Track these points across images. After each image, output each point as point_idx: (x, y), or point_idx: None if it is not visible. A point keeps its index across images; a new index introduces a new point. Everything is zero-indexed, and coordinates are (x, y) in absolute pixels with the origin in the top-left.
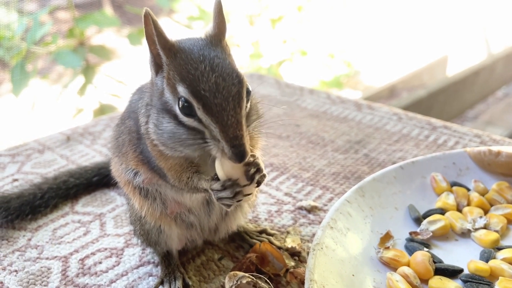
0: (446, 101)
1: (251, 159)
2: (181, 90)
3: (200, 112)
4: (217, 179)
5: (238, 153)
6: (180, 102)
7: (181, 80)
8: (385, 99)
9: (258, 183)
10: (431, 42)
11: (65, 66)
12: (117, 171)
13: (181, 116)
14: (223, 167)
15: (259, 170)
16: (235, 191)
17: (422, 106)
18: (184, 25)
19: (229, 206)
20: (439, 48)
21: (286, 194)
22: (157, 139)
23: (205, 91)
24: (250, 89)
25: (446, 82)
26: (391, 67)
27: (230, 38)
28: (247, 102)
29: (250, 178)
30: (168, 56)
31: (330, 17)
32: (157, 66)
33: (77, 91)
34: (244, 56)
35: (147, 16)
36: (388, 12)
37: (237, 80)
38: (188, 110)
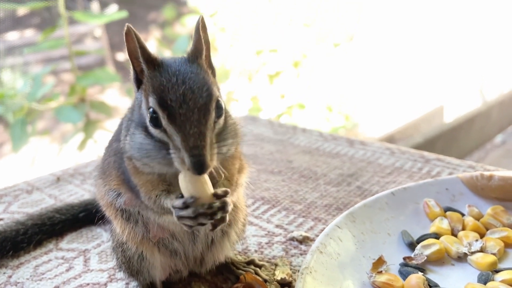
0: (443, 148)
1: (222, 194)
2: (151, 100)
3: (164, 122)
4: (182, 197)
5: (197, 162)
6: (149, 114)
7: (152, 91)
8: None
9: (214, 226)
10: (426, 92)
11: (65, 121)
12: (100, 193)
13: (150, 128)
14: (188, 182)
15: (224, 207)
16: (197, 211)
17: None
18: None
19: (190, 227)
20: (434, 98)
21: (277, 226)
22: (129, 151)
23: (172, 101)
24: (223, 105)
25: (443, 128)
26: (389, 118)
27: (230, 93)
28: (218, 117)
29: (211, 217)
30: (150, 69)
31: (327, 71)
32: (139, 82)
33: (77, 146)
34: (243, 110)
35: (129, 33)
36: (384, 65)
37: (207, 93)
38: (155, 121)
